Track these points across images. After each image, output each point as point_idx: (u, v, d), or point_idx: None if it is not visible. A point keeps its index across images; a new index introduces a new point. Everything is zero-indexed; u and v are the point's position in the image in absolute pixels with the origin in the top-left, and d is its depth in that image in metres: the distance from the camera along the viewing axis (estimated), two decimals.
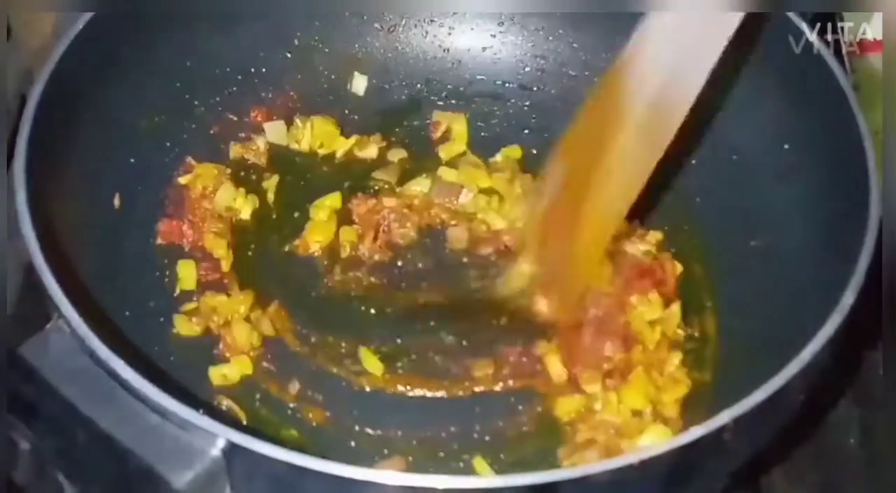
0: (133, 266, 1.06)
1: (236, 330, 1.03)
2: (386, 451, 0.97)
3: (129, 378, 0.77)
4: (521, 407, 1.00)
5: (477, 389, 1.01)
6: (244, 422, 0.98)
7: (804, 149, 1.05)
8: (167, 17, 1.09)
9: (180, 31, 1.11)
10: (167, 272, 1.08)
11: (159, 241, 1.09)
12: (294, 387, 1.01)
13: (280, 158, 1.18)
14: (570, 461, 0.95)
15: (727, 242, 1.11)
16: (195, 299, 1.06)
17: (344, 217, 1.13)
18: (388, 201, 1.13)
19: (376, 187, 1.16)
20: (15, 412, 0.78)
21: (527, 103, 1.24)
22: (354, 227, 1.12)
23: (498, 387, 1.01)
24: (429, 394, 1.01)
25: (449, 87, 1.24)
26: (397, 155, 1.19)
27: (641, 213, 1.08)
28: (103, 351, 0.79)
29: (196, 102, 1.16)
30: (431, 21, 1.25)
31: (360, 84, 1.23)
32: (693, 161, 1.16)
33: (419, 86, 1.24)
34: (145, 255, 1.07)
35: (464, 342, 1.04)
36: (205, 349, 1.03)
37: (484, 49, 1.25)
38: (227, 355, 1.02)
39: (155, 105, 1.12)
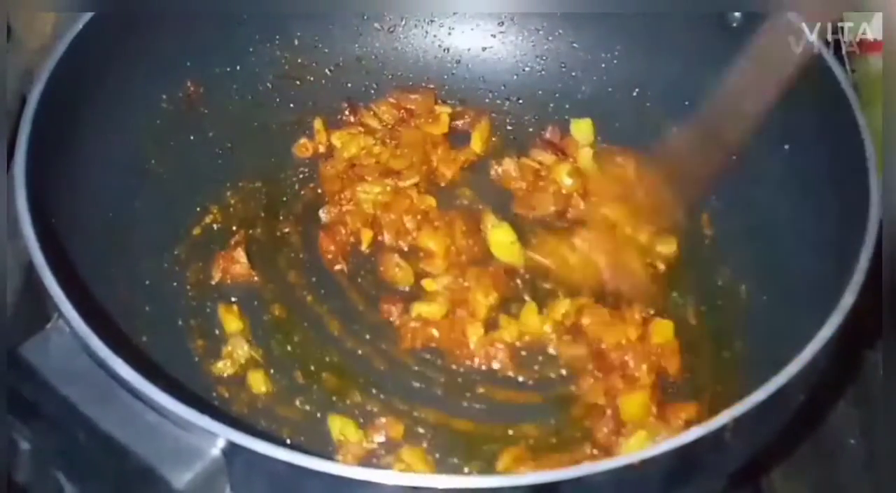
0: (133, 265, 1.06)
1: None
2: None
3: (129, 378, 0.77)
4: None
5: None
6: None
7: (804, 149, 1.05)
8: (167, 17, 1.09)
9: (180, 30, 1.11)
10: (167, 272, 1.08)
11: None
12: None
13: None
14: None
15: (726, 243, 1.11)
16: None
17: None
18: None
19: None
20: (15, 412, 0.78)
21: (527, 103, 1.24)
22: None
23: None
24: None
25: (448, 87, 1.24)
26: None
27: None
28: (103, 351, 0.78)
29: (196, 102, 1.16)
30: (431, 21, 1.25)
31: None
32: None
33: (419, 86, 1.24)
34: (145, 254, 1.07)
35: None
36: (209, 348, 1.04)
37: (484, 49, 1.25)
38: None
39: (155, 105, 1.12)
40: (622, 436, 0.98)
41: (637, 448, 0.95)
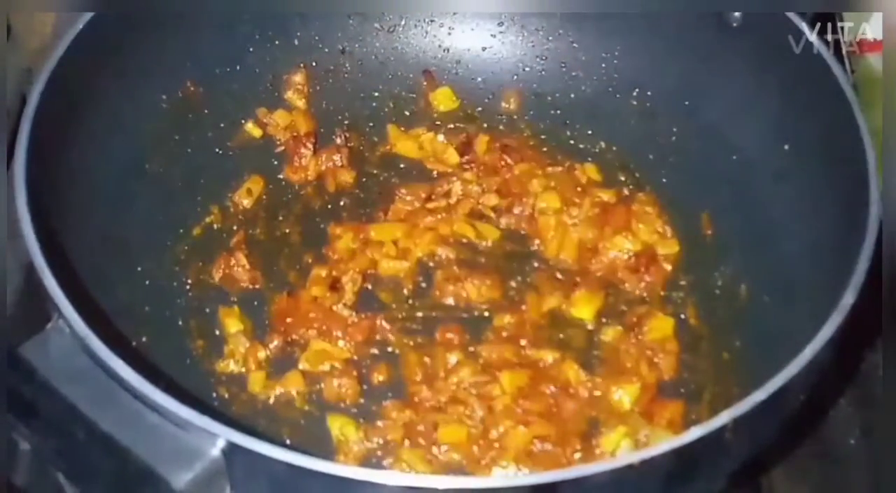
0: (133, 265, 1.06)
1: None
2: None
3: (129, 378, 0.77)
4: None
5: None
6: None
7: (804, 149, 1.05)
8: (167, 17, 1.09)
9: (180, 31, 1.11)
10: (167, 272, 1.08)
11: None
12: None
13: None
14: None
15: (726, 243, 1.11)
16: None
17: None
18: None
19: None
20: (15, 412, 0.78)
21: (526, 104, 1.24)
22: None
23: None
24: None
25: (448, 87, 1.24)
26: None
27: None
28: (103, 351, 0.79)
29: (196, 102, 1.16)
30: (431, 21, 1.25)
31: None
32: (693, 161, 1.16)
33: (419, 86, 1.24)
34: (145, 254, 1.07)
35: None
36: (209, 348, 1.04)
37: (484, 49, 1.25)
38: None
39: (155, 105, 1.12)
40: (604, 427, 0.98)
41: (616, 443, 0.97)
